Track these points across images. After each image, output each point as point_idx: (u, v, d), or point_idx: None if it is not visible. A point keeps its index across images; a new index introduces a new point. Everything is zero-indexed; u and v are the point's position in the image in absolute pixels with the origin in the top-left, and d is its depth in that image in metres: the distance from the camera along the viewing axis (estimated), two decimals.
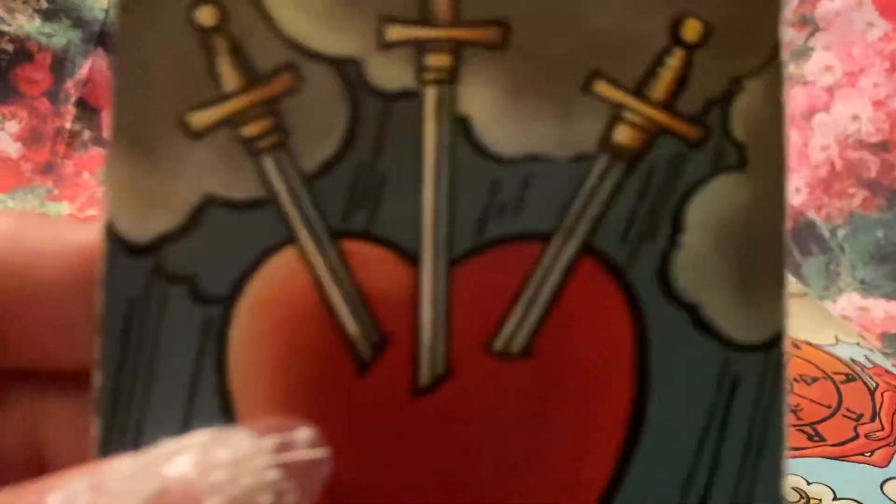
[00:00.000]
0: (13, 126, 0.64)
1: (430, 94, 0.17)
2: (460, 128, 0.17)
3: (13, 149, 0.64)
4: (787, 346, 0.16)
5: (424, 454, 0.16)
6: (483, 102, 0.17)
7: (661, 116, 0.16)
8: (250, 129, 0.17)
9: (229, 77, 0.17)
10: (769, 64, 0.16)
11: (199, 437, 0.15)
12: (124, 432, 0.17)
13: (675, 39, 0.16)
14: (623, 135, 0.16)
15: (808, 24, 0.61)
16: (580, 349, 0.16)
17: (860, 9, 0.59)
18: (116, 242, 0.17)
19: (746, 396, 0.16)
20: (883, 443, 0.36)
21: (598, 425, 0.16)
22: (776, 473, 0.16)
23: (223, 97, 0.17)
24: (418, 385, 0.16)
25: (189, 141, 0.17)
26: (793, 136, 0.60)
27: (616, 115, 0.16)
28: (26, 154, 0.65)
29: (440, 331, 0.16)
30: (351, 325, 0.16)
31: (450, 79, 0.17)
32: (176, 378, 0.16)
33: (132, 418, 0.16)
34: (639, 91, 0.16)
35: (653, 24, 0.16)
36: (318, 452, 0.15)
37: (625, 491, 0.16)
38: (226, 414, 0.16)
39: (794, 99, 0.59)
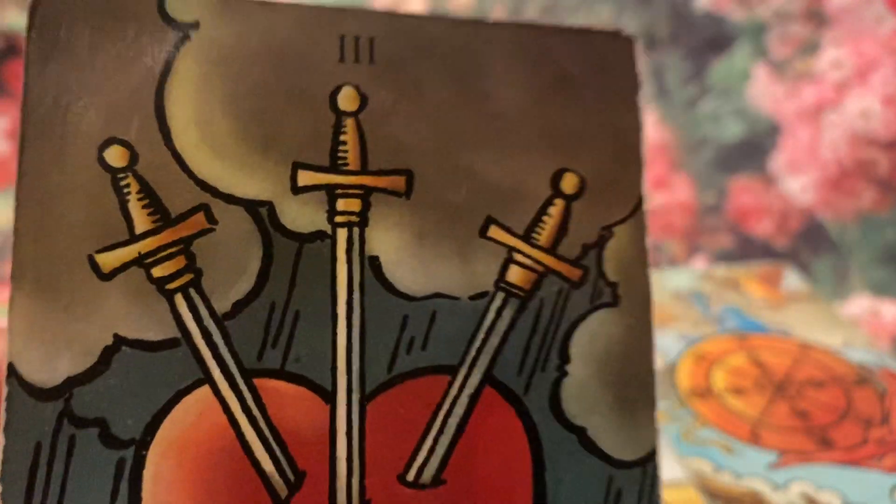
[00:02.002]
0: (3, 123, 0.62)
1: (342, 236, 0.19)
2: (370, 267, 0.19)
3: (3, 146, 0.60)
4: (659, 461, 0.20)
5: None
6: (390, 244, 0.19)
7: (546, 259, 0.20)
8: (162, 270, 0.18)
9: (140, 218, 0.18)
10: (634, 213, 0.21)
11: None
12: None
13: (556, 191, 0.20)
14: (515, 275, 0.20)
15: (817, 18, 0.63)
16: (486, 475, 0.19)
17: (869, 3, 0.60)
18: (20, 386, 0.17)
19: None
20: (893, 448, 0.36)
21: None
22: None
23: (134, 238, 0.18)
24: None
25: (98, 281, 0.18)
26: (801, 134, 0.59)
27: (509, 257, 0.20)
28: (16, 151, 0.61)
29: (355, 465, 0.19)
30: (267, 464, 0.18)
31: (359, 222, 0.19)
32: None
33: None
34: (528, 236, 0.20)
35: (537, 178, 0.20)
36: None
37: None
38: None
39: (803, 95, 0.60)
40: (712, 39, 0.68)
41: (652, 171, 0.64)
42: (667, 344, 0.45)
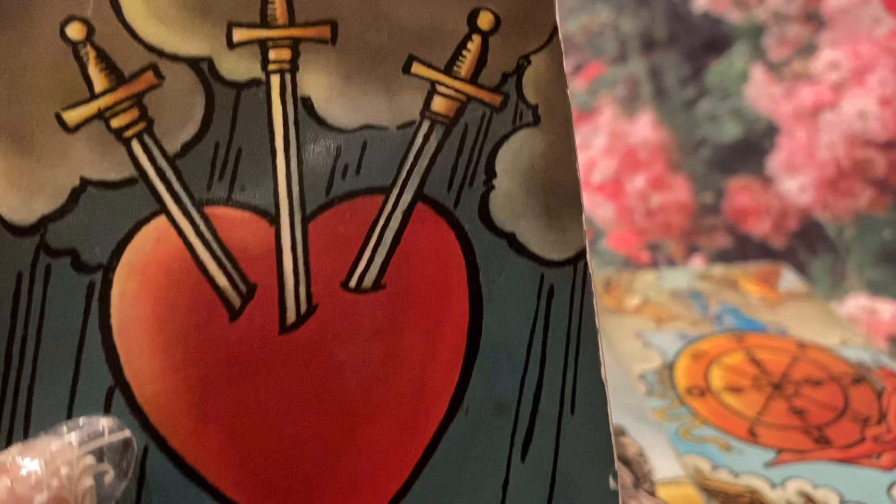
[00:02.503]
0: None
1: (275, 81, 0.22)
2: (303, 106, 0.22)
3: None
4: (589, 259, 0.22)
5: (294, 381, 0.20)
6: (321, 85, 0.22)
7: (468, 88, 0.22)
8: (119, 121, 0.21)
9: (98, 79, 0.21)
10: (549, 42, 0.22)
11: (7, 455, 0.17)
12: (17, 394, 0.20)
13: (473, 28, 0.22)
14: (439, 104, 0.22)
15: (814, 20, 0.65)
16: (423, 279, 0.21)
17: (867, 5, 0.62)
18: (2, 225, 0.20)
19: (562, 302, 0.21)
20: (890, 446, 0.36)
21: (443, 339, 0.21)
22: (595, 361, 0.21)
23: (94, 96, 0.21)
24: (285, 323, 0.20)
25: (65, 135, 0.21)
26: (798, 135, 0.61)
27: (432, 89, 0.22)
28: None
29: (301, 276, 0.21)
30: (221, 279, 0.20)
31: (291, 68, 0.22)
32: (64, 338, 0.20)
33: (24, 380, 0.20)
34: (448, 69, 0.22)
35: (454, 17, 0.22)
36: (123, 434, 0.19)
37: (472, 390, 0.20)
38: (112, 366, 0.20)
39: (800, 96, 0.61)
40: (710, 40, 0.69)
41: (650, 172, 0.65)
42: (665, 343, 0.46)
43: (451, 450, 0.20)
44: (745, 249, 0.62)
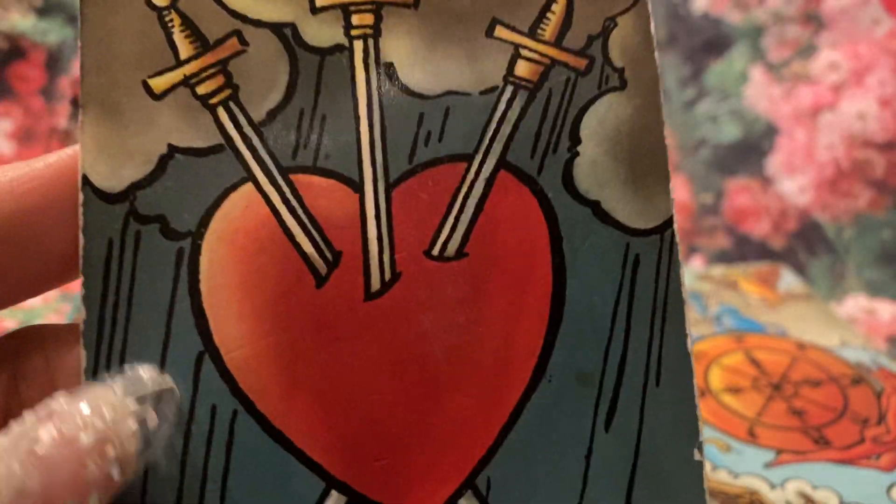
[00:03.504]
0: (7, 124, 0.66)
1: (358, 47, 0.21)
2: (386, 72, 0.21)
3: (7, 148, 0.66)
4: (676, 229, 0.21)
5: (380, 348, 0.20)
6: (403, 51, 0.22)
7: (552, 51, 0.22)
8: (205, 88, 0.21)
9: (183, 46, 0.21)
10: (636, 4, 0.22)
11: (55, 402, 0.17)
12: (110, 358, 0.20)
13: None
14: (523, 68, 0.22)
15: (814, 21, 0.65)
16: (505, 247, 0.21)
17: (866, 5, 0.63)
18: (92, 192, 0.21)
19: (648, 272, 0.21)
20: (890, 447, 0.37)
21: (526, 308, 0.21)
22: (681, 332, 0.21)
23: (179, 63, 0.21)
24: (370, 291, 0.21)
25: (152, 102, 0.21)
26: (798, 136, 0.61)
27: (516, 53, 0.22)
28: (20, 153, 0.66)
29: (385, 244, 0.21)
30: (307, 246, 0.21)
31: (373, 33, 0.22)
32: (154, 304, 0.20)
33: (116, 345, 0.20)
34: (532, 32, 0.22)
35: None
36: (165, 383, 0.19)
37: (555, 359, 0.20)
38: (201, 331, 0.20)
39: (799, 97, 0.62)
40: (710, 41, 0.69)
41: None
42: None
43: (534, 419, 0.20)
44: (744, 250, 0.63)
